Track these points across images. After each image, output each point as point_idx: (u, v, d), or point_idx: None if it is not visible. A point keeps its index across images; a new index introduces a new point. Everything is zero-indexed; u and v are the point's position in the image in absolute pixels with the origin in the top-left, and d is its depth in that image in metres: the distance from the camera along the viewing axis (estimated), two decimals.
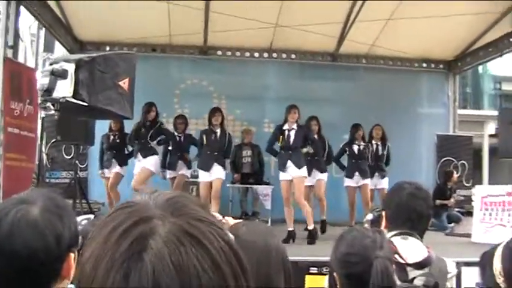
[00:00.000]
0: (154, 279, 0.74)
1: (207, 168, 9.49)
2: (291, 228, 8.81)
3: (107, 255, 0.78)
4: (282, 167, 9.02)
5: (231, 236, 0.87)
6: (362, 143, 10.65)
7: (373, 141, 10.96)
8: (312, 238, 8.84)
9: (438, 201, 11.97)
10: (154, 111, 9.99)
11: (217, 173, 9.51)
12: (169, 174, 10.54)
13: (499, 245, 1.72)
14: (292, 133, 9.07)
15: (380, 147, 10.97)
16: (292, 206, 9.04)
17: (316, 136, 9.90)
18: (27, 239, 1.60)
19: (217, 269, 0.79)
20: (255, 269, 1.69)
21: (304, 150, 9.16)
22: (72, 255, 1.69)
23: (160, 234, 0.78)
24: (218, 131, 9.66)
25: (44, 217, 1.65)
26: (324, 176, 9.99)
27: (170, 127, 10.83)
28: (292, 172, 8.92)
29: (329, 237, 8.88)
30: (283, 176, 9.04)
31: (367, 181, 10.52)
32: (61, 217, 1.69)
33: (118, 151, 10.60)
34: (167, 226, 0.79)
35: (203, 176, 9.57)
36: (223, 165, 9.68)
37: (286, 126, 9.13)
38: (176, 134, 10.65)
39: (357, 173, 10.46)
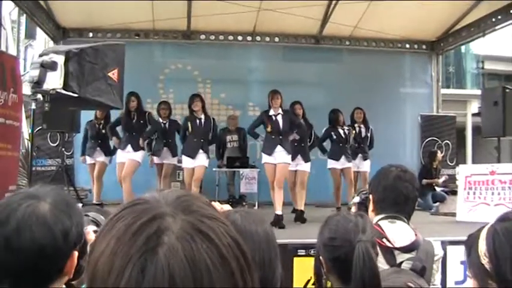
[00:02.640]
0: (169, 273, 0.79)
1: (192, 154, 9.46)
2: (279, 212, 8.77)
3: (122, 251, 0.82)
4: (269, 151, 9.00)
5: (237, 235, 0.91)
6: (345, 127, 10.65)
7: (356, 125, 11.00)
8: (278, 222, 8.70)
9: (425, 181, 12.11)
10: (134, 101, 9.76)
11: (201, 160, 9.50)
12: (155, 160, 10.50)
13: (484, 226, 1.78)
14: (280, 118, 9.08)
15: (363, 130, 11.02)
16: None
17: (301, 121, 9.87)
18: (35, 234, 1.61)
19: (225, 264, 0.83)
20: (261, 256, 1.75)
21: (291, 137, 9.17)
22: (76, 252, 1.72)
23: (173, 231, 0.83)
24: (202, 117, 9.60)
25: (53, 213, 1.66)
26: (307, 167, 9.72)
27: (155, 113, 10.80)
28: (280, 157, 8.94)
29: (316, 220, 8.98)
30: (268, 159, 9.03)
31: (351, 164, 10.56)
32: (69, 214, 1.71)
33: (103, 140, 10.57)
34: (179, 223, 0.84)
35: (187, 163, 9.53)
36: (207, 152, 9.65)
37: (272, 112, 9.12)
38: (161, 120, 10.58)
39: (343, 157, 10.43)
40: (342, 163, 10.47)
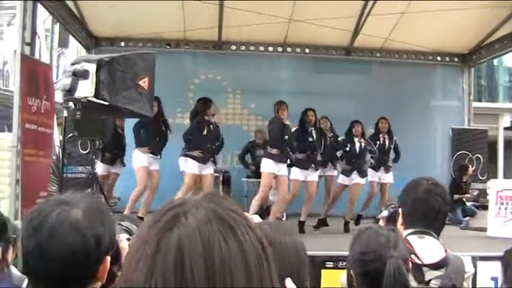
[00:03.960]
0: (178, 245, 0.83)
1: (204, 161, 9.32)
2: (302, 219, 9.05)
3: (145, 234, 0.87)
4: (284, 161, 9.19)
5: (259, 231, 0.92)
6: (362, 140, 10.34)
7: (380, 135, 10.75)
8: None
9: (456, 196, 11.97)
10: (155, 107, 9.39)
11: (210, 168, 9.48)
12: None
13: None
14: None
15: (387, 141, 10.76)
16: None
17: (312, 128, 9.76)
18: (68, 240, 1.62)
19: (242, 252, 0.85)
20: (289, 266, 1.74)
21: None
22: (108, 258, 1.73)
23: (194, 214, 0.87)
24: (213, 122, 9.53)
25: (86, 219, 1.67)
26: (315, 176, 9.73)
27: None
28: (282, 170, 9.14)
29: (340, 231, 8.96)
30: (270, 168, 9.15)
31: (361, 180, 10.22)
32: (102, 220, 1.72)
33: (119, 149, 10.56)
34: (201, 210, 0.88)
35: (193, 167, 9.33)
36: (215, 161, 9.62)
37: (286, 122, 9.25)
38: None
39: (355, 172, 10.14)
40: (352, 179, 10.18)
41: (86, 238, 1.65)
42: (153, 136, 9.61)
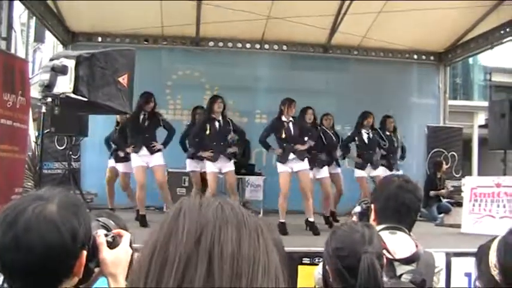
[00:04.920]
0: (177, 212, 0.91)
1: (215, 159, 9.19)
2: (283, 220, 8.82)
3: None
4: (284, 160, 8.98)
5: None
6: (371, 131, 10.41)
7: (387, 132, 10.80)
8: (314, 229, 8.86)
9: (432, 193, 12.09)
10: (153, 102, 9.49)
11: (229, 165, 9.32)
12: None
13: (495, 238, 1.78)
14: (291, 125, 9.10)
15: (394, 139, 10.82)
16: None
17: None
18: (44, 234, 1.63)
19: (239, 233, 0.89)
20: None
21: (306, 145, 9.16)
22: (84, 252, 1.74)
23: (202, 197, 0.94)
24: (220, 119, 9.35)
25: (61, 214, 1.69)
26: (325, 173, 9.86)
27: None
28: (296, 165, 8.98)
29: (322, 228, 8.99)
30: (282, 167, 9.01)
31: (380, 172, 10.19)
32: (77, 215, 1.73)
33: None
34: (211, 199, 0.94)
35: (211, 167, 9.19)
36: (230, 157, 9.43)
37: (284, 118, 9.12)
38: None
39: (368, 165, 10.21)
40: (368, 171, 10.24)
41: (61, 232, 1.66)
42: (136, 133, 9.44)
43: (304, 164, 9.05)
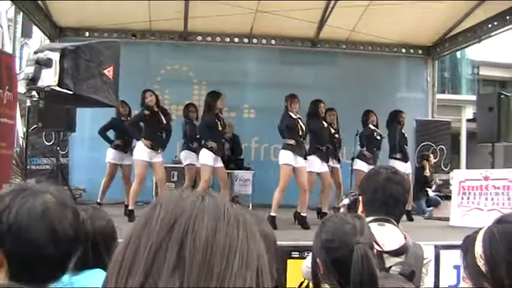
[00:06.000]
0: (156, 202, 0.90)
1: (217, 153, 9.18)
2: (274, 214, 8.74)
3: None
4: (295, 151, 8.93)
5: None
6: (377, 130, 10.57)
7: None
8: (304, 223, 8.88)
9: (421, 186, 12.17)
10: (152, 95, 9.36)
11: (220, 161, 9.32)
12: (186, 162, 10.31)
13: (481, 229, 1.78)
14: (300, 122, 9.15)
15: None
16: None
17: (324, 123, 9.88)
18: (69, 219, 1.67)
19: (216, 222, 0.86)
20: None
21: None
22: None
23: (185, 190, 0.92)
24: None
25: (65, 198, 1.72)
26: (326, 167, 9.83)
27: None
28: (300, 161, 9.00)
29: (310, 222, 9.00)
30: (286, 160, 8.94)
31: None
32: (69, 197, 1.77)
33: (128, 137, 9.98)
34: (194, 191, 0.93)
35: (209, 159, 9.11)
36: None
37: (293, 115, 9.13)
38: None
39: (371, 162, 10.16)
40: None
41: (75, 213, 1.69)
42: (155, 130, 9.34)
43: (304, 161, 9.08)
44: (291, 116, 9.12)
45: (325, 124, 9.87)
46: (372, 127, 10.53)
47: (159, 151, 9.25)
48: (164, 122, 9.36)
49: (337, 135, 10.45)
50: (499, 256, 1.66)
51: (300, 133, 9.08)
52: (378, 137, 10.55)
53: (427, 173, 12.79)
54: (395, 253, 2.75)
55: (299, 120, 9.14)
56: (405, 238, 2.82)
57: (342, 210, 3.48)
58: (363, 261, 2.09)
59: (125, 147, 10.00)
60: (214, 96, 9.34)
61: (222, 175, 9.36)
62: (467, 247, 1.79)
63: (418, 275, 2.72)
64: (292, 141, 9.02)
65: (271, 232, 1.97)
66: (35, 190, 1.70)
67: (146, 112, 9.22)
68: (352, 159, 10.67)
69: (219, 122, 9.20)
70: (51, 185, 1.76)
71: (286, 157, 8.96)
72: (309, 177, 9.32)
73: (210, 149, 9.07)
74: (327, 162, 9.74)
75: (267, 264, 0.89)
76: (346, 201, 3.50)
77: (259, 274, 0.85)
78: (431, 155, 13.17)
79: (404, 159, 10.65)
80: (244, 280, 0.83)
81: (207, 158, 9.04)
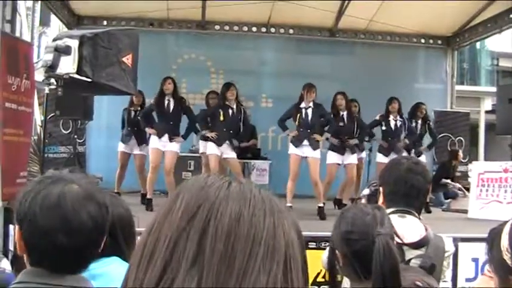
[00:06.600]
0: (179, 190, 0.87)
1: (220, 143, 9.21)
2: (289, 204, 8.73)
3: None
4: (298, 143, 9.07)
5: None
6: (398, 118, 10.36)
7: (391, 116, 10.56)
8: (321, 214, 8.92)
9: (444, 181, 12.01)
10: (171, 84, 9.37)
11: (232, 152, 9.33)
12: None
13: (507, 221, 1.73)
14: (310, 111, 9.11)
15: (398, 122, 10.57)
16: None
17: (344, 113, 9.85)
18: (89, 210, 1.66)
19: (241, 209, 0.82)
20: None
21: (317, 138, 9.21)
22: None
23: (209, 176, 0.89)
24: (234, 107, 9.37)
25: (93, 189, 1.72)
26: (353, 159, 9.86)
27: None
28: (307, 152, 9.00)
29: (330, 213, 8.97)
30: (294, 150, 9.10)
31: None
32: (101, 192, 1.77)
33: (139, 128, 9.93)
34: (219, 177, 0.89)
35: (213, 149, 9.21)
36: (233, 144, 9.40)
37: (303, 105, 9.14)
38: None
39: (392, 153, 9.92)
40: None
41: (101, 206, 1.69)
42: (161, 119, 9.42)
43: (316, 153, 9.06)
44: (297, 106, 9.17)
45: (343, 115, 9.78)
46: (391, 117, 10.37)
47: (171, 140, 9.21)
48: (171, 110, 9.33)
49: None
50: None
51: (301, 123, 9.11)
52: (393, 126, 10.32)
53: (453, 168, 12.58)
54: (415, 245, 2.70)
55: (304, 110, 9.13)
56: (426, 230, 2.76)
57: (362, 200, 3.44)
58: (385, 252, 2.04)
59: (137, 137, 10.06)
60: (224, 87, 9.51)
61: (233, 166, 9.42)
62: (492, 240, 1.74)
63: (438, 268, 2.67)
64: (294, 132, 9.22)
65: (298, 224, 1.92)
66: (59, 178, 1.69)
67: (152, 101, 9.40)
68: (366, 150, 10.65)
69: (221, 112, 9.22)
70: (83, 176, 1.76)
71: (291, 147, 9.21)
72: (328, 169, 9.50)
73: (205, 138, 9.27)
74: (343, 154, 9.65)
75: (299, 256, 0.84)
76: (366, 191, 3.46)
77: (288, 266, 0.80)
78: (461, 152, 12.94)
79: (397, 153, 10.28)
80: (269, 272, 0.77)
81: (211, 147, 9.24)
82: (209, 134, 9.25)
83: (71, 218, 1.61)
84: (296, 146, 9.09)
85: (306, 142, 9.02)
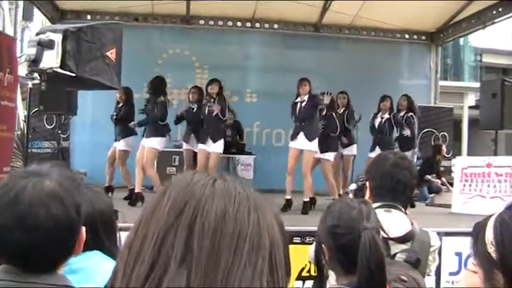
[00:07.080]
0: (165, 188, 0.88)
1: (204, 140, 9.39)
2: (288, 197, 8.92)
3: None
4: (294, 136, 9.19)
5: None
6: (386, 115, 10.50)
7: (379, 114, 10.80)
8: (305, 209, 8.95)
9: (428, 177, 12.06)
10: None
11: (214, 146, 9.44)
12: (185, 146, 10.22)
13: (492, 215, 1.74)
14: (303, 104, 9.16)
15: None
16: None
17: (344, 110, 10.17)
18: (50, 209, 1.58)
19: (226, 206, 0.83)
20: None
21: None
22: (84, 228, 1.71)
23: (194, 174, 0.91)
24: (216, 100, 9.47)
25: (63, 188, 1.64)
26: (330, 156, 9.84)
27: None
28: (303, 144, 9.04)
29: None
30: (291, 143, 9.24)
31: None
32: (77, 189, 1.70)
33: (122, 124, 9.95)
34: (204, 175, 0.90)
35: (201, 145, 9.48)
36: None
37: (298, 99, 9.24)
38: (190, 105, 10.15)
39: (377, 148, 10.10)
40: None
41: (67, 207, 1.61)
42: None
43: (311, 145, 9.08)
44: (294, 101, 9.28)
45: (330, 112, 9.84)
46: (379, 114, 10.52)
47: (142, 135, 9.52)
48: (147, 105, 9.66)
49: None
50: (511, 243, 1.62)
51: (296, 117, 9.23)
52: (377, 124, 10.50)
53: (437, 162, 12.65)
54: (401, 240, 2.71)
55: (299, 104, 9.22)
56: (412, 225, 2.78)
57: (350, 195, 3.45)
58: (370, 246, 2.05)
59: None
60: (207, 83, 9.70)
61: (210, 162, 9.42)
62: (477, 234, 1.75)
63: (424, 262, 2.69)
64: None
65: (281, 220, 1.92)
66: (32, 173, 1.64)
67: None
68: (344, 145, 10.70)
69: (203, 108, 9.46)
70: (64, 171, 1.72)
71: (290, 142, 9.34)
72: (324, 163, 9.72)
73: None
74: (327, 149, 9.67)
75: (283, 253, 0.85)
76: (353, 186, 3.47)
77: (272, 261, 0.82)
78: (444, 146, 13.01)
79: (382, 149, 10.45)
80: (255, 267, 0.79)
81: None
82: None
83: (26, 215, 1.56)
84: (292, 140, 9.22)
85: (301, 135, 9.04)
